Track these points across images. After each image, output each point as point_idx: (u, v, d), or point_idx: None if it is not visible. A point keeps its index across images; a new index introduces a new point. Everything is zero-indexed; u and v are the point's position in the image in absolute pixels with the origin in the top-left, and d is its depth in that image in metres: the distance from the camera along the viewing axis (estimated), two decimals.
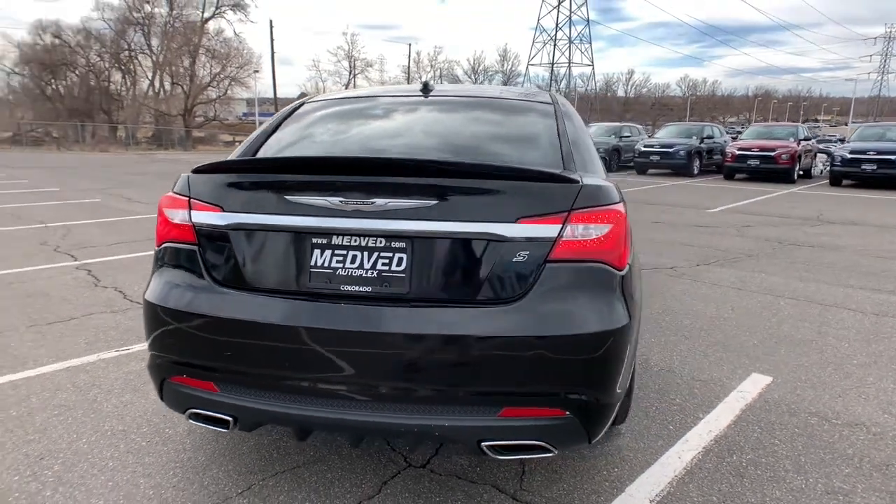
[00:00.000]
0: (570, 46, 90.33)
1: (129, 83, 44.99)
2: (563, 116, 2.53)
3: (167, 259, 2.07)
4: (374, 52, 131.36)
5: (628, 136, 21.69)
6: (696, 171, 18.35)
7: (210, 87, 44.48)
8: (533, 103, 2.74)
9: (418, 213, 1.82)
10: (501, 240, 1.80)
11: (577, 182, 1.88)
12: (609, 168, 20.01)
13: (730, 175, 17.29)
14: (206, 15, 46.01)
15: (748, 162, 16.60)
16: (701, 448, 2.56)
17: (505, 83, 55.94)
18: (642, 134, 23.57)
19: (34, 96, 41.22)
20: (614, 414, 2.01)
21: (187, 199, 2.04)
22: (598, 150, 2.62)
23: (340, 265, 1.86)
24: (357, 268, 1.85)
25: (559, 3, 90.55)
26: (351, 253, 1.86)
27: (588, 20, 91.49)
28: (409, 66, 47.70)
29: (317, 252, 1.88)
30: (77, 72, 42.86)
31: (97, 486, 2.25)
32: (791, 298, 4.98)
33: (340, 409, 1.85)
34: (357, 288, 1.85)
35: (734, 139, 20.50)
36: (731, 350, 3.76)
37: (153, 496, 2.20)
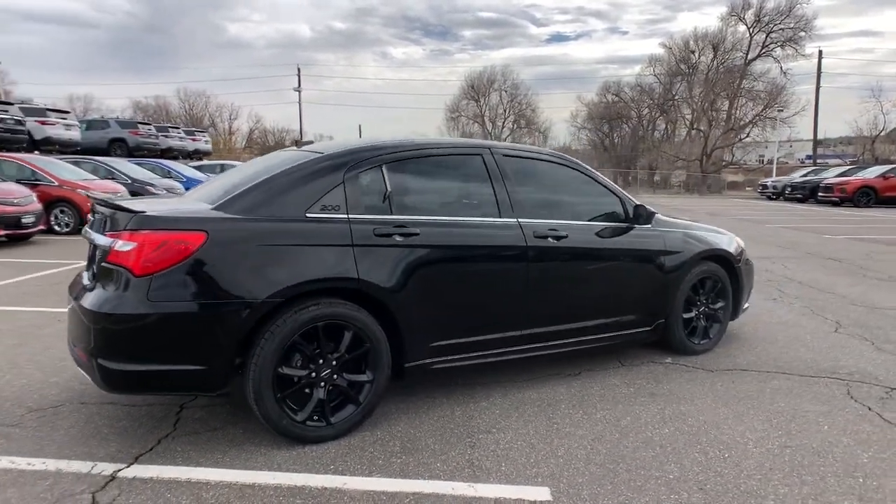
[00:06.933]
0: None
1: (669, 131, 48.75)
2: (304, 161, 3.14)
3: None
4: None
5: None
6: None
7: (745, 130, 42.78)
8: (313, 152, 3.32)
9: (98, 230, 3.00)
10: (100, 247, 2.87)
11: (134, 212, 2.75)
12: None
13: None
14: (751, 56, 43.83)
15: None
16: None
17: None
18: None
19: (596, 146, 50.59)
20: (127, 378, 2.69)
21: None
22: None
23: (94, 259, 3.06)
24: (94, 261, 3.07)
25: None
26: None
27: None
28: None
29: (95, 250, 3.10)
30: (629, 124, 49.76)
31: None
32: None
33: None
34: (92, 272, 3.04)
35: None
36: None
37: None
